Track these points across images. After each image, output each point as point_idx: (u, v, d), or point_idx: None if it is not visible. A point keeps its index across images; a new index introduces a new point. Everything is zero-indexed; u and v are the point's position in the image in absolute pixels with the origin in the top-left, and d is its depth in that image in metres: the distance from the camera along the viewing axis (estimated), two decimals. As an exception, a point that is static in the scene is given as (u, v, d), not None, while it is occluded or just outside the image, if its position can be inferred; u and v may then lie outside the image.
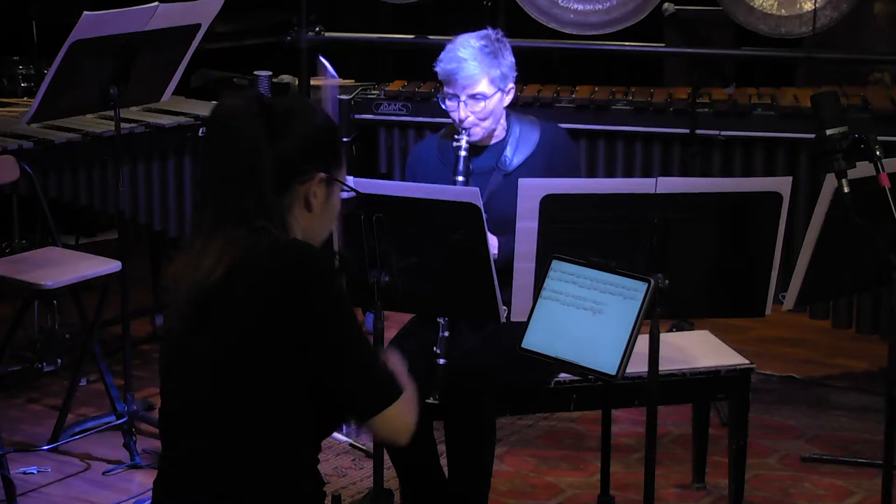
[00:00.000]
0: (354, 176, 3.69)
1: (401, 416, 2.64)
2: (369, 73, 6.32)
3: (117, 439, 4.80)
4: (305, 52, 5.69)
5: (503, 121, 4.23)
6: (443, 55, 4.17)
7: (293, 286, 2.54)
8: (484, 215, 3.65)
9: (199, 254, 2.59)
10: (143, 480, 4.61)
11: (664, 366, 3.68)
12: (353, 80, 5.85)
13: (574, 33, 5.65)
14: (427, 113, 5.50)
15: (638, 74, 6.81)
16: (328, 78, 5.31)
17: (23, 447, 4.86)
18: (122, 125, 4.85)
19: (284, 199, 2.62)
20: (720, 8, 5.48)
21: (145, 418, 4.91)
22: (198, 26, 4.86)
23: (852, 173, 3.46)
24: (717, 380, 4.24)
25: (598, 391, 3.88)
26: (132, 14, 4.63)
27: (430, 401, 3.92)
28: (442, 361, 3.98)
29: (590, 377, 3.61)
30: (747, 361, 4.28)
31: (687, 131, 5.25)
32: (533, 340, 3.31)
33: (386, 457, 4.04)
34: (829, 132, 3.46)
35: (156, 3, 4.63)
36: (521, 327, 3.36)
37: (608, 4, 5.59)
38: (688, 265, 3.62)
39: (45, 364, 5.51)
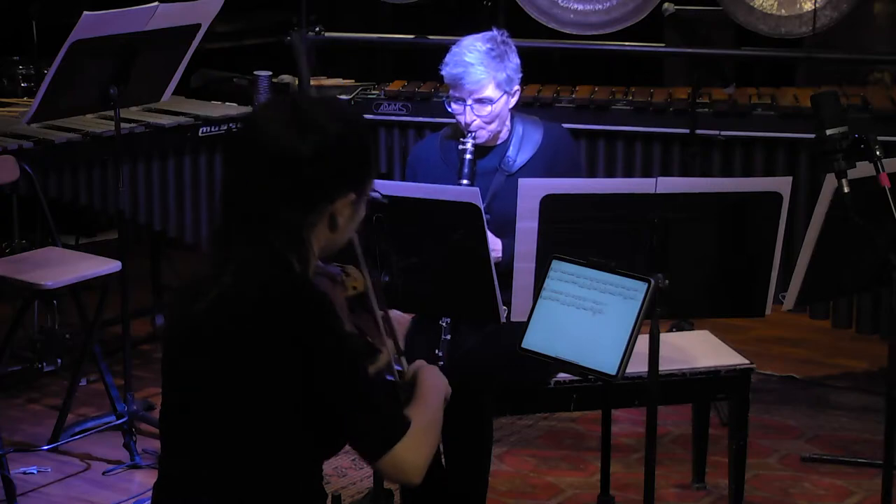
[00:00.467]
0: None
1: (407, 455, 2.55)
2: (369, 73, 6.32)
3: (117, 439, 4.80)
4: (305, 53, 5.70)
5: (507, 122, 4.23)
6: (448, 59, 4.16)
7: (286, 328, 2.46)
8: (485, 216, 3.65)
9: (205, 272, 2.54)
10: (143, 480, 4.61)
11: (664, 366, 3.68)
12: (353, 80, 5.85)
13: (574, 33, 5.66)
14: (427, 113, 5.50)
15: (638, 74, 6.81)
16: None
17: (23, 447, 4.86)
18: (122, 125, 4.85)
19: (309, 217, 2.52)
20: (720, 8, 5.49)
21: (145, 418, 4.91)
22: (198, 26, 4.86)
23: (852, 173, 3.46)
24: (717, 380, 4.24)
25: (598, 391, 3.87)
26: (132, 14, 4.63)
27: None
28: (442, 364, 3.98)
29: (590, 377, 3.61)
30: (747, 361, 4.28)
31: (687, 131, 5.25)
32: (533, 340, 3.31)
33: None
34: (829, 132, 3.46)
35: (156, 3, 4.63)
36: (521, 327, 3.36)
37: (608, 4, 5.59)
38: (688, 265, 3.62)
39: (45, 364, 5.51)
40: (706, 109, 5.30)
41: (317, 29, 5.77)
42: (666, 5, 5.34)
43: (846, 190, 3.43)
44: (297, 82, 5.73)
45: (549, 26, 5.66)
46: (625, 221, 3.60)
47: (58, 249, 5.06)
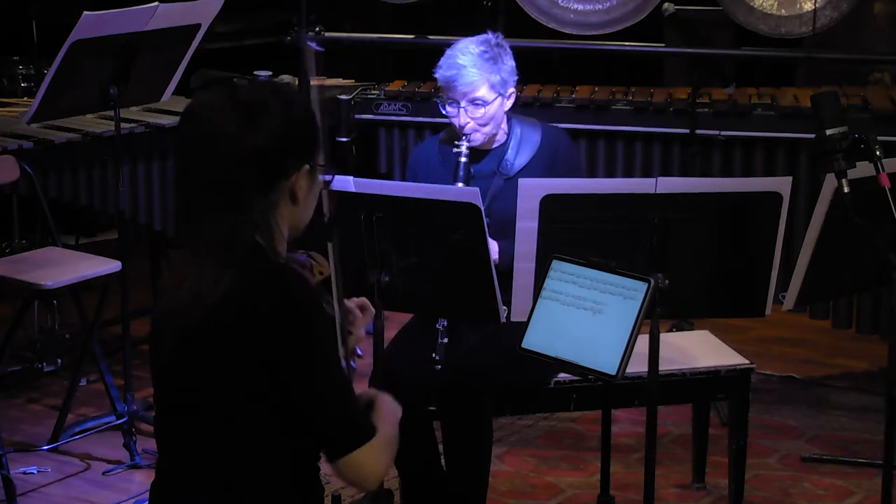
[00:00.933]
0: (354, 176, 3.70)
1: (367, 461, 2.53)
2: (369, 73, 6.32)
3: (117, 439, 4.80)
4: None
5: (504, 125, 4.23)
6: (442, 61, 4.16)
7: (263, 321, 2.46)
8: (485, 218, 3.65)
9: (182, 273, 2.53)
10: (143, 480, 4.60)
11: (664, 366, 3.68)
12: (353, 80, 5.84)
13: (574, 33, 5.66)
14: (427, 113, 5.50)
15: (638, 74, 6.81)
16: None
17: (23, 447, 4.86)
18: (122, 125, 4.85)
19: (269, 197, 2.52)
20: (720, 8, 5.49)
21: (145, 418, 4.91)
22: (198, 26, 4.86)
23: (852, 173, 3.46)
24: (717, 380, 4.24)
25: (598, 391, 3.87)
26: (132, 14, 4.63)
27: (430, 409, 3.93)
28: (439, 368, 3.98)
29: (590, 377, 3.61)
30: (747, 361, 4.28)
31: (687, 131, 5.25)
32: (533, 340, 3.31)
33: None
34: (829, 132, 3.46)
35: (156, 3, 4.63)
36: (521, 327, 3.36)
37: (608, 4, 5.59)
38: (688, 265, 3.62)
39: (45, 364, 5.51)
40: (706, 109, 5.30)
41: (317, 29, 5.77)
42: (666, 5, 5.34)
43: (846, 190, 3.43)
44: (297, 82, 5.73)
45: (549, 26, 5.65)
46: (625, 221, 3.60)
47: (58, 249, 5.06)
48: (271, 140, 2.51)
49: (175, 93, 5.08)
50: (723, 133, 5.26)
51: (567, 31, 5.65)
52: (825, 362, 5.79)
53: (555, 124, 4.58)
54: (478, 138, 4.17)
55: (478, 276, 3.68)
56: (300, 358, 2.48)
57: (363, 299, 2.83)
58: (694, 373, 4.22)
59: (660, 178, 3.60)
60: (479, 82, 4.11)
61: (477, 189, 3.70)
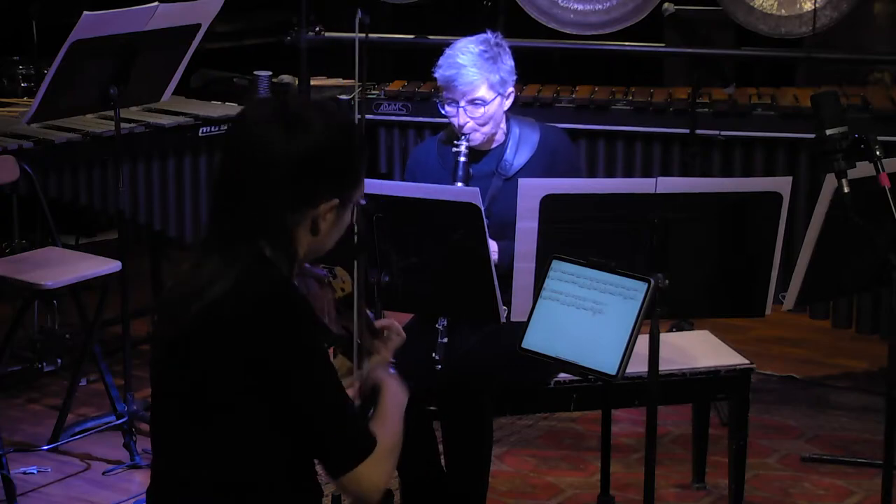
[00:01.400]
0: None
1: (370, 474, 2.50)
2: (369, 74, 6.32)
3: (117, 439, 4.80)
4: (305, 52, 5.69)
5: (503, 124, 4.23)
6: (441, 61, 4.16)
7: (251, 324, 2.45)
8: (485, 219, 3.65)
9: (193, 272, 2.53)
10: (143, 480, 4.60)
11: (664, 366, 3.68)
12: (353, 80, 5.83)
13: (574, 33, 5.66)
14: (427, 113, 5.50)
15: (638, 74, 6.81)
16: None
17: (23, 447, 4.87)
18: (122, 125, 4.85)
19: (289, 217, 2.50)
20: (720, 8, 5.49)
21: (145, 418, 4.91)
22: (198, 26, 4.86)
23: (852, 173, 3.46)
24: (717, 380, 4.24)
25: (598, 391, 3.87)
26: (132, 14, 4.63)
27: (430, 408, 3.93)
28: (439, 368, 3.98)
29: (590, 377, 3.61)
30: (747, 361, 4.28)
31: (687, 131, 5.25)
32: (533, 340, 3.31)
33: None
34: (829, 132, 3.46)
35: (156, 3, 4.63)
36: (521, 327, 3.36)
37: (608, 4, 5.60)
38: (688, 265, 3.62)
39: (45, 364, 5.51)
40: (706, 109, 5.30)
41: (317, 29, 5.76)
42: (666, 5, 5.34)
43: (846, 190, 3.43)
44: (296, 82, 5.73)
45: (549, 26, 5.66)
46: (625, 221, 3.60)
47: (58, 249, 5.06)
48: (304, 161, 2.47)
49: (175, 93, 5.08)
50: (723, 133, 5.26)
51: (567, 31, 5.65)
52: (825, 362, 5.79)
53: (554, 124, 4.58)
54: (477, 138, 4.17)
55: (478, 276, 3.68)
56: (286, 369, 2.45)
57: (391, 321, 2.82)
58: (694, 373, 4.22)
59: (660, 178, 3.60)
60: (478, 82, 4.11)
61: (477, 189, 3.70)
